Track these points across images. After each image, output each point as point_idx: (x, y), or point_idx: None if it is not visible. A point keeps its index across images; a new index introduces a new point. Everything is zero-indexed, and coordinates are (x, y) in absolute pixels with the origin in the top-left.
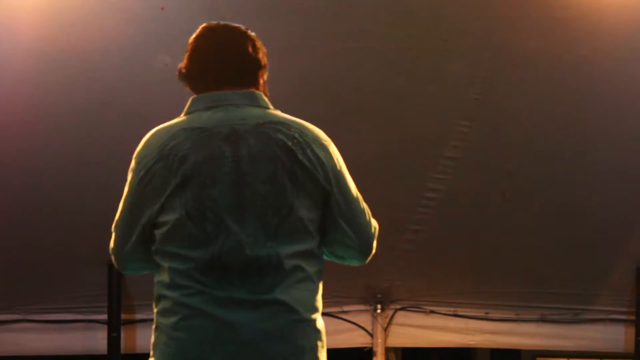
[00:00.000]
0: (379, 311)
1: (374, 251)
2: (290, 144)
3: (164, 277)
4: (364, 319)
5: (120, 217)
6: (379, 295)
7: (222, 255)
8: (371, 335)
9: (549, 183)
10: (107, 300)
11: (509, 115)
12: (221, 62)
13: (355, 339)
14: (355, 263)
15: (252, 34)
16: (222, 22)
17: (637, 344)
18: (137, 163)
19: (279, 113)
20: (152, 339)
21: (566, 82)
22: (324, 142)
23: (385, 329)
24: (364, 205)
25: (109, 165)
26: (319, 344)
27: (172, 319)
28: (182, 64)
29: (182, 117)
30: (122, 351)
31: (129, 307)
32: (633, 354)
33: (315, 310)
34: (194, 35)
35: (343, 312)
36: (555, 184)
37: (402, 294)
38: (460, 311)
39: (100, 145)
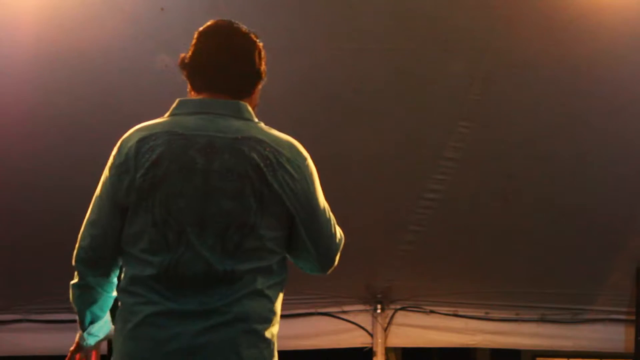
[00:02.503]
0: (379, 311)
1: (335, 263)
2: (262, 164)
3: (122, 282)
4: (364, 319)
5: (96, 208)
6: (379, 295)
7: (179, 265)
8: (371, 335)
9: (548, 184)
10: None
11: (508, 116)
12: (226, 67)
13: (355, 339)
14: (317, 274)
15: (260, 42)
16: (234, 23)
17: (637, 344)
18: (115, 157)
19: (259, 127)
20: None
21: (566, 83)
22: (299, 162)
23: (385, 329)
24: (331, 218)
25: None
26: (266, 354)
27: (127, 325)
28: (186, 55)
29: (165, 118)
30: None
31: None
32: (633, 354)
33: (267, 321)
34: (203, 28)
35: (343, 312)
36: (555, 185)
37: (402, 294)
38: (460, 311)
39: (100, 145)
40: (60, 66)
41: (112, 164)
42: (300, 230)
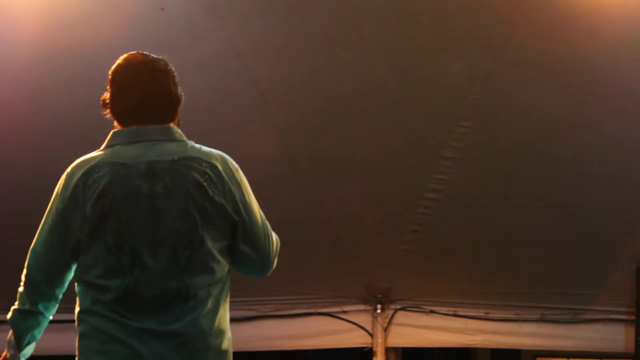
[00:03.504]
0: (379, 311)
1: (274, 266)
2: (202, 180)
3: (83, 303)
4: (364, 319)
5: (41, 239)
6: (379, 295)
7: (137, 286)
8: (371, 335)
9: (548, 183)
10: None
11: (508, 116)
12: (145, 100)
13: (355, 339)
14: (258, 276)
15: (172, 68)
16: (144, 54)
17: (637, 344)
18: (63, 190)
19: (192, 146)
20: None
21: (566, 83)
22: (234, 173)
23: (385, 329)
24: (266, 223)
25: None
26: None
27: (92, 343)
28: (105, 95)
29: (102, 150)
30: None
31: None
32: (633, 354)
33: (221, 333)
34: (115, 67)
35: (343, 312)
36: (554, 185)
37: (402, 294)
38: (460, 311)
39: (101, 145)
40: (60, 67)
41: (60, 197)
42: (242, 237)
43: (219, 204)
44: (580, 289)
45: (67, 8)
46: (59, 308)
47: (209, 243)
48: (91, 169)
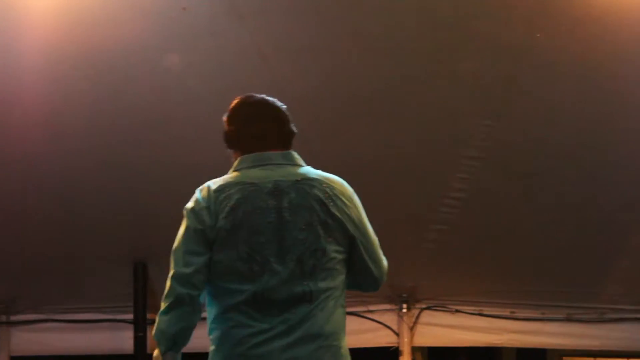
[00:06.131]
0: (404, 310)
1: (385, 279)
2: (323, 197)
3: (215, 309)
4: (390, 319)
5: (180, 249)
6: (405, 295)
7: (265, 291)
8: (397, 334)
9: (573, 182)
10: (132, 299)
11: (532, 115)
12: (272, 129)
13: (381, 338)
14: (371, 290)
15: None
16: (260, 96)
17: None
18: (197, 204)
19: (311, 170)
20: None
21: (591, 81)
22: (350, 195)
23: (411, 329)
24: (378, 245)
25: (132, 165)
26: None
27: (224, 346)
28: (227, 129)
29: (232, 173)
30: (149, 351)
31: (155, 306)
32: None
33: (342, 336)
34: (236, 104)
35: (369, 311)
36: (580, 184)
37: (428, 294)
38: (486, 310)
39: (122, 145)
40: (82, 66)
41: (193, 209)
42: (360, 250)
43: (338, 219)
44: (607, 288)
45: (88, 8)
46: (84, 308)
47: (331, 253)
48: (223, 188)
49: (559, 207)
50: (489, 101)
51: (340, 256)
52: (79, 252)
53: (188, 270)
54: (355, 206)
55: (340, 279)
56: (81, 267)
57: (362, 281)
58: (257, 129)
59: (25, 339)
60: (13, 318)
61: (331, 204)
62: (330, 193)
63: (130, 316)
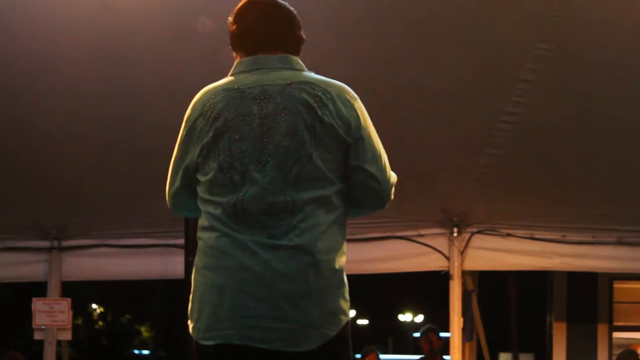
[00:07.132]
0: (455, 234)
1: (392, 197)
2: (312, 101)
3: (202, 220)
4: (441, 243)
5: (172, 162)
6: (456, 219)
7: (245, 201)
8: (447, 258)
9: (628, 107)
10: (183, 224)
11: (587, 38)
12: (275, 31)
13: (431, 262)
14: (374, 208)
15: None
16: None
17: None
18: (188, 116)
19: (309, 74)
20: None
21: None
22: (349, 98)
23: (462, 252)
24: (383, 155)
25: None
26: (335, 282)
27: (205, 260)
28: (232, 28)
29: (227, 78)
30: None
31: None
32: None
33: (332, 250)
34: (241, 6)
35: (419, 235)
36: (635, 106)
37: (479, 217)
38: (537, 234)
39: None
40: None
41: (185, 124)
42: (357, 157)
43: (328, 124)
44: None
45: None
46: (136, 232)
47: (318, 161)
48: (210, 96)
49: (613, 130)
50: (544, 24)
51: (332, 165)
52: (130, 177)
53: (171, 188)
54: (355, 111)
55: (332, 189)
56: (132, 193)
57: (361, 196)
58: (258, 30)
59: (76, 265)
60: (64, 243)
61: (321, 107)
62: (322, 96)
63: (181, 241)
